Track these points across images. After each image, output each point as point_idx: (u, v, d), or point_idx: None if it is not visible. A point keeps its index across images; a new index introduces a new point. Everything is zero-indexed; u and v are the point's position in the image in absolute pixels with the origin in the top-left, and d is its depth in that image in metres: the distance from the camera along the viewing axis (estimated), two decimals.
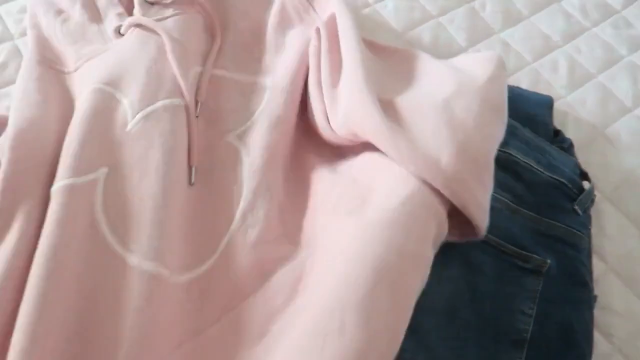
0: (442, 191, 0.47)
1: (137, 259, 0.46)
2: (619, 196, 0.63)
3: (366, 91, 0.51)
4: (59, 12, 0.62)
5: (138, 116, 0.52)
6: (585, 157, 0.64)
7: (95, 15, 0.62)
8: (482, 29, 0.74)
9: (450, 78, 0.53)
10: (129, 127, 0.52)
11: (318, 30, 0.60)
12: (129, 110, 0.53)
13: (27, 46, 0.61)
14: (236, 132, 0.57)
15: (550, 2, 0.78)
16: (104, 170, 0.49)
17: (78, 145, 0.49)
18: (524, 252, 0.56)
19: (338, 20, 0.59)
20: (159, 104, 0.53)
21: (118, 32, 0.60)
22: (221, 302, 0.48)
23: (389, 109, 0.51)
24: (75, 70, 0.59)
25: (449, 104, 0.50)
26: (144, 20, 0.59)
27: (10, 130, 0.50)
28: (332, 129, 0.55)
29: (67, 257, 0.44)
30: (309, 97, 0.58)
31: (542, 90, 0.70)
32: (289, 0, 0.65)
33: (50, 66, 0.59)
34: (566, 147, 0.64)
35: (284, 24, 0.64)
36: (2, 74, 0.66)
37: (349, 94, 0.53)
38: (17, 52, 0.67)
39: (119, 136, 0.51)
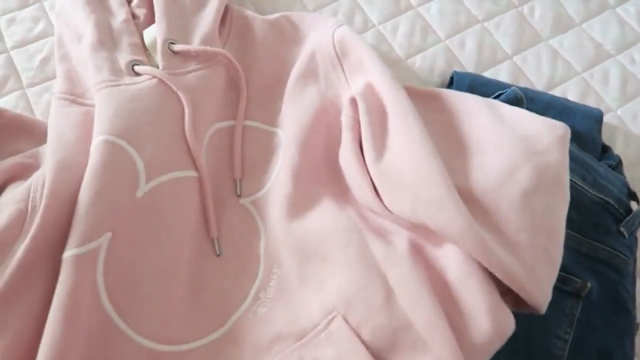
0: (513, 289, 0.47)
1: (135, 334, 0.47)
2: None
3: (447, 192, 0.48)
4: (80, 37, 0.61)
5: (152, 183, 0.52)
6: (634, 176, 0.61)
7: (107, 38, 0.60)
8: (530, 36, 0.71)
9: (519, 156, 0.52)
10: (139, 192, 0.51)
11: (354, 102, 0.57)
12: (142, 173, 0.52)
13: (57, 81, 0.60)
14: (251, 199, 0.56)
15: (604, 8, 0.74)
16: (108, 235, 0.48)
17: (85, 209, 0.48)
18: (563, 274, 0.53)
19: (386, 98, 0.56)
20: (174, 174, 0.53)
21: (132, 70, 0.57)
22: None
23: (467, 201, 0.49)
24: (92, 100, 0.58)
25: (529, 202, 0.50)
26: (166, 78, 0.56)
27: (48, 176, 0.50)
28: (384, 206, 0.52)
29: (73, 332, 0.45)
30: (347, 168, 0.56)
31: (591, 102, 0.66)
32: (321, 51, 0.62)
33: (79, 102, 0.58)
34: (614, 164, 0.61)
35: (308, 76, 0.61)
36: (44, 69, 0.67)
37: (424, 188, 0.49)
38: None
39: (128, 200, 0.50)
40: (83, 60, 0.59)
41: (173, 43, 0.59)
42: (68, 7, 0.63)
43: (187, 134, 0.54)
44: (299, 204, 0.54)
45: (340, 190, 0.56)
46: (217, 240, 0.54)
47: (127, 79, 0.57)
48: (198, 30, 0.62)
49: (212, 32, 0.61)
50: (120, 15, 0.62)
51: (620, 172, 0.61)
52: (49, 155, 0.51)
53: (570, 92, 0.67)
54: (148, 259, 0.49)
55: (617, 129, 0.65)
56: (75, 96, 0.58)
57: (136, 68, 0.57)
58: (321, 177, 0.57)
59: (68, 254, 0.47)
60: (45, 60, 0.67)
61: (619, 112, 0.66)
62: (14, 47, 0.68)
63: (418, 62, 0.68)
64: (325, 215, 0.53)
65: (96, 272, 0.47)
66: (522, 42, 0.70)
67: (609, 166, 0.60)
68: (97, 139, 0.51)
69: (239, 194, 0.56)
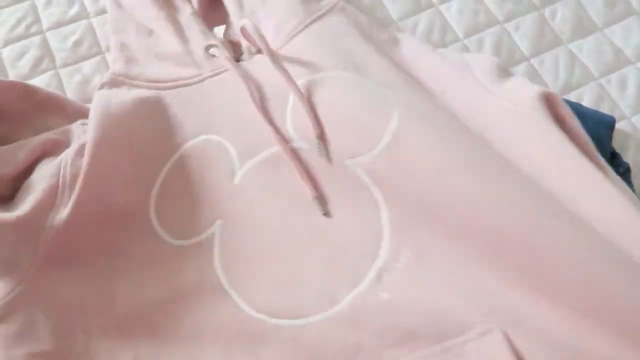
0: None
1: (252, 310, 0.49)
2: None
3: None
4: (149, 31, 0.65)
5: (245, 167, 0.55)
6: None
7: (179, 32, 0.64)
8: (549, 38, 0.71)
9: None
10: (237, 179, 0.55)
11: None
12: (236, 161, 0.55)
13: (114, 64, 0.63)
14: (359, 159, 0.52)
15: (628, 13, 0.73)
16: (219, 222, 0.53)
17: (195, 202, 0.54)
18: None
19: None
20: (263, 153, 0.55)
21: (207, 53, 0.62)
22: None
23: None
24: (169, 89, 0.61)
25: None
26: (237, 66, 0.60)
27: (90, 145, 0.53)
28: None
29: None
30: None
31: (606, 108, 0.66)
32: None
33: (134, 85, 0.61)
34: (622, 171, 0.61)
35: None
36: (77, 50, 0.70)
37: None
38: (91, 30, 0.72)
39: (229, 188, 0.54)
40: (155, 54, 0.63)
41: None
42: (135, 1, 0.66)
43: (259, 110, 0.56)
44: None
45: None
46: (317, 200, 0.52)
47: (206, 68, 0.61)
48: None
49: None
50: (185, 10, 0.66)
51: (628, 180, 0.61)
52: (92, 128, 0.54)
53: (585, 97, 0.67)
54: (257, 237, 0.52)
55: (630, 136, 0.65)
56: (131, 79, 0.62)
57: (211, 51, 0.61)
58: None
59: (186, 242, 0.52)
60: (78, 43, 0.71)
61: (633, 119, 0.66)
62: (49, 29, 0.72)
63: None
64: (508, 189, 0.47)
65: (213, 257, 0.52)
66: (541, 45, 0.71)
67: (617, 173, 0.60)
68: (197, 139, 0.57)
69: (322, 156, 0.54)
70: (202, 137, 0.57)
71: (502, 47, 0.70)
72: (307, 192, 0.52)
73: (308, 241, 0.51)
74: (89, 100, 0.65)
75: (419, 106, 0.55)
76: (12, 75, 0.69)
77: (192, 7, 0.66)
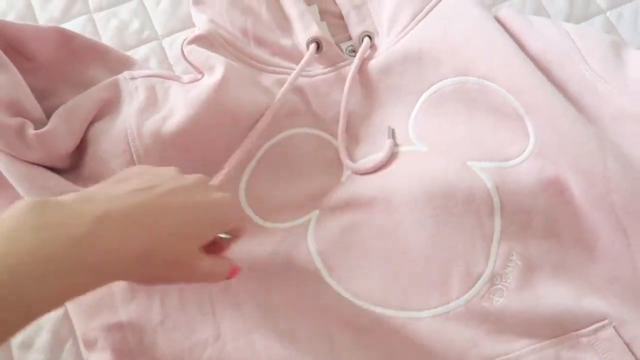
0: None
1: (349, 294, 0.48)
2: None
3: None
4: (244, 9, 0.59)
5: (351, 170, 0.54)
6: None
7: (280, 18, 0.60)
8: None
9: None
10: (344, 178, 0.54)
11: None
12: (346, 163, 0.54)
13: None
14: (484, 164, 0.51)
15: None
16: (316, 212, 0.52)
17: (295, 191, 0.53)
18: None
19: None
20: (369, 158, 0.54)
21: (309, 47, 0.57)
22: None
23: None
24: (272, 73, 0.57)
25: None
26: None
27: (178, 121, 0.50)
28: None
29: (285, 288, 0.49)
30: None
31: None
32: None
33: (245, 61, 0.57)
34: None
35: None
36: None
37: None
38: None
39: (331, 183, 0.54)
40: (253, 36, 0.59)
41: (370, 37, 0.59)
42: None
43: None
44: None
45: None
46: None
47: (320, 66, 0.58)
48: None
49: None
50: None
51: None
52: (184, 109, 0.51)
53: None
54: (358, 231, 0.50)
55: None
56: (228, 43, 0.57)
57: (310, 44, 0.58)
58: None
59: (281, 225, 0.51)
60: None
61: None
62: None
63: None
64: None
65: (307, 240, 0.51)
66: None
67: None
68: (303, 129, 0.55)
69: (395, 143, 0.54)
70: (312, 130, 0.56)
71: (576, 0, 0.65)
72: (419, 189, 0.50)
73: (416, 238, 0.49)
74: (127, 48, 0.61)
75: (551, 108, 0.51)
76: (43, 19, 0.63)
77: None
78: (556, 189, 0.50)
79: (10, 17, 0.62)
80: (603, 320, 0.46)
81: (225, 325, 0.48)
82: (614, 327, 0.46)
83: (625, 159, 0.48)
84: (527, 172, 0.50)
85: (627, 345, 0.45)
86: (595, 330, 0.46)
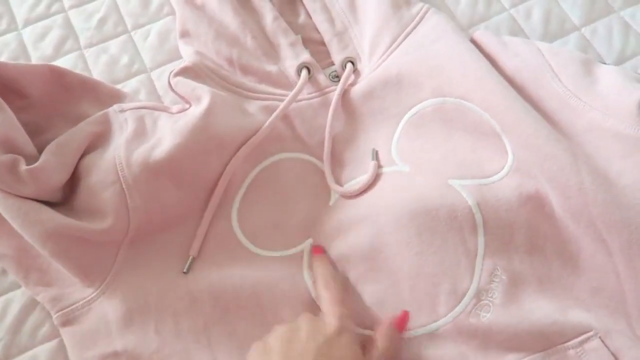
0: None
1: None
2: None
3: None
4: (234, 39, 0.61)
5: (340, 190, 0.55)
6: None
7: (267, 47, 0.61)
8: (600, 7, 0.67)
9: None
10: (331, 201, 0.56)
11: None
12: (333, 187, 0.55)
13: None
14: (469, 182, 0.52)
15: None
16: (309, 241, 0.53)
17: (287, 220, 0.54)
18: None
19: None
20: (355, 181, 0.55)
21: (299, 74, 0.59)
22: None
23: None
24: (257, 99, 0.59)
25: None
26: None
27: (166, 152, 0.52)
28: None
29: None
30: None
31: None
32: None
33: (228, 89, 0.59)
34: None
35: None
36: (102, 29, 0.67)
37: None
38: (115, 7, 0.68)
39: (324, 209, 0.55)
40: (239, 65, 0.60)
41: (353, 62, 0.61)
42: (213, 1, 0.62)
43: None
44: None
45: None
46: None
47: (305, 91, 0.60)
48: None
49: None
50: (267, 13, 0.62)
51: None
52: (171, 137, 0.52)
53: None
54: (348, 258, 0.51)
55: None
56: (213, 73, 0.59)
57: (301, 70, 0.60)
58: None
59: (276, 254, 0.53)
60: (103, 21, 0.67)
61: None
62: (71, 7, 0.68)
63: None
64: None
65: (302, 270, 0.52)
66: (592, 13, 0.67)
67: None
68: (291, 154, 0.57)
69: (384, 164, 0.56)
70: (298, 154, 0.57)
71: (552, 16, 0.67)
72: (403, 209, 0.51)
73: (402, 258, 0.50)
74: (118, 82, 0.63)
75: (526, 125, 0.52)
76: (35, 58, 0.65)
77: (272, 7, 0.63)
78: (536, 203, 0.51)
79: (4, 56, 0.64)
80: (589, 331, 0.46)
81: (221, 355, 0.48)
82: (599, 337, 0.46)
83: (599, 171, 0.49)
84: (507, 188, 0.51)
85: (614, 355, 0.46)
86: (582, 342, 0.46)
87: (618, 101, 0.52)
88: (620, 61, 0.64)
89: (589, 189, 0.48)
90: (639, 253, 0.47)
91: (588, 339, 0.46)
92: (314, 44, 0.64)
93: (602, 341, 0.46)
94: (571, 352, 0.46)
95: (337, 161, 0.57)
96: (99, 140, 0.54)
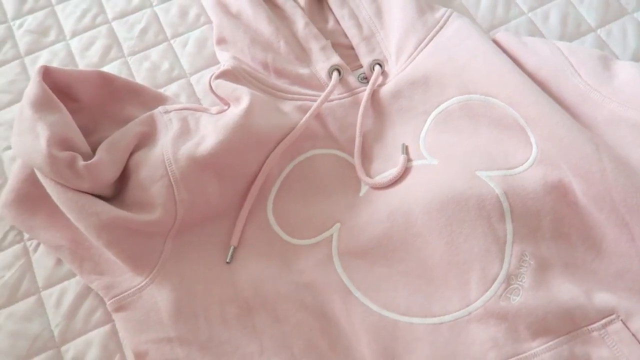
0: None
1: (367, 299, 0.53)
2: None
3: None
4: (268, 44, 0.65)
5: (368, 185, 0.59)
6: None
7: (299, 51, 0.65)
8: (615, 9, 0.71)
9: None
10: (362, 192, 0.59)
11: None
12: (364, 179, 0.59)
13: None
14: (494, 174, 0.55)
15: None
16: (337, 225, 0.57)
17: (317, 208, 0.58)
18: None
19: None
20: (385, 174, 0.59)
21: (330, 76, 0.63)
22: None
23: None
24: (291, 100, 0.63)
25: None
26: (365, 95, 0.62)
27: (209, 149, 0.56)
28: None
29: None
30: None
31: None
32: None
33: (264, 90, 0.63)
34: None
35: None
36: (143, 38, 0.71)
37: None
38: (155, 17, 0.73)
39: (352, 198, 0.58)
40: (274, 69, 0.64)
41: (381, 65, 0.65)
42: (248, 10, 0.66)
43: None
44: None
45: None
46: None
47: (336, 92, 0.63)
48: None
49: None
50: (298, 20, 0.67)
51: None
52: (215, 135, 0.56)
53: None
54: (377, 242, 0.55)
55: None
56: (251, 77, 0.63)
57: (335, 75, 0.63)
58: None
59: (307, 242, 0.56)
60: (144, 31, 0.72)
61: None
62: (114, 19, 0.73)
63: None
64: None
65: (332, 258, 0.55)
66: (607, 15, 0.70)
67: None
68: (324, 150, 0.61)
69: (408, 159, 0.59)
70: (330, 150, 0.61)
71: (568, 19, 0.70)
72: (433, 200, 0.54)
73: (433, 247, 0.53)
74: (159, 86, 0.68)
75: (549, 118, 0.55)
76: (82, 65, 0.70)
77: (303, 13, 0.67)
78: (560, 191, 0.54)
79: (54, 64, 0.69)
80: (612, 314, 0.49)
81: (266, 339, 0.51)
82: (621, 320, 0.49)
83: (620, 158, 0.52)
84: (532, 178, 0.55)
85: (634, 336, 0.48)
86: (605, 325, 0.49)
87: (636, 93, 0.55)
88: (635, 59, 0.67)
89: (610, 175, 0.51)
90: None
91: (611, 321, 0.49)
92: (343, 48, 0.68)
93: (624, 323, 0.49)
94: (595, 334, 0.49)
95: (367, 156, 0.61)
96: (146, 139, 0.58)
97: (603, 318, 0.49)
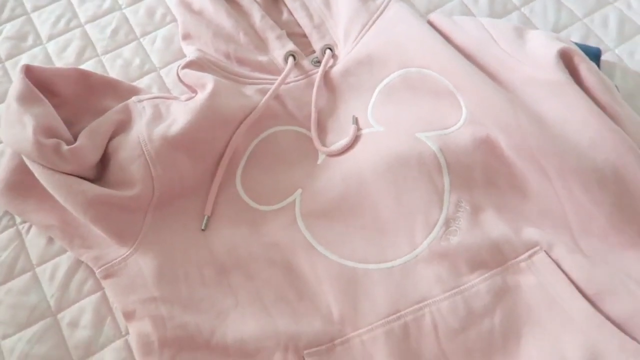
0: None
1: (325, 249, 0.59)
2: None
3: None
4: (227, 39, 0.72)
5: (325, 154, 0.66)
6: (632, 106, 0.69)
7: (257, 41, 0.72)
8: None
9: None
10: (319, 161, 0.66)
11: None
12: (320, 149, 0.66)
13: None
14: (429, 134, 0.63)
15: None
16: (299, 191, 0.64)
17: (279, 176, 0.65)
18: None
19: None
20: (339, 143, 0.66)
21: (286, 62, 0.70)
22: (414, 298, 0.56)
23: None
24: (252, 84, 0.69)
25: None
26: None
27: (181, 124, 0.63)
28: None
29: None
30: None
31: (592, 44, 0.75)
32: None
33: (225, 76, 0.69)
34: None
35: None
36: (115, 38, 0.78)
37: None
38: (125, 19, 0.79)
39: (311, 167, 0.65)
40: (235, 58, 0.71)
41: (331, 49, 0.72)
42: (209, 7, 0.73)
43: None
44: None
45: None
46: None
47: (292, 75, 0.70)
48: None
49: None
50: (255, 13, 0.74)
51: None
52: (184, 116, 0.63)
53: (573, 36, 0.76)
54: (334, 201, 0.62)
55: (616, 65, 0.73)
56: (215, 65, 0.69)
57: (290, 60, 0.70)
58: None
59: (273, 207, 0.63)
60: (115, 31, 0.78)
61: (616, 51, 0.74)
62: (87, 22, 0.79)
63: None
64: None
65: (296, 219, 0.62)
66: None
67: None
68: (284, 127, 0.68)
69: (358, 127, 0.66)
70: (290, 127, 0.68)
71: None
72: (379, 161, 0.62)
73: (384, 203, 0.61)
74: (132, 80, 0.74)
75: (475, 84, 0.64)
76: (60, 65, 0.76)
77: (259, 7, 0.74)
78: (488, 145, 0.62)
79: None
80: (535, 246, 0.57)
81: (240, 294, 0.58)
82: (544, 251, 0.57)
83: (534, 113, 0.61)
84: (463, 136, 0.63)
85: (555, 262, 0.56)
86: (530, 256, 0.57)
87: (542, 55, 0.64)
88: (555, 32, 0.76)
89: (524, 125, 0.59)
90: (571, 175, 0.58)
91: (535, 252, 0.57)
92: (297, 36, 0.75)
93: (547, 253, 0.56)
94: (523, 264, 0.57)
95: (323, 129, 0.68)
96: (122, 125, 0.65)
97: (528, 250, 0.57)
